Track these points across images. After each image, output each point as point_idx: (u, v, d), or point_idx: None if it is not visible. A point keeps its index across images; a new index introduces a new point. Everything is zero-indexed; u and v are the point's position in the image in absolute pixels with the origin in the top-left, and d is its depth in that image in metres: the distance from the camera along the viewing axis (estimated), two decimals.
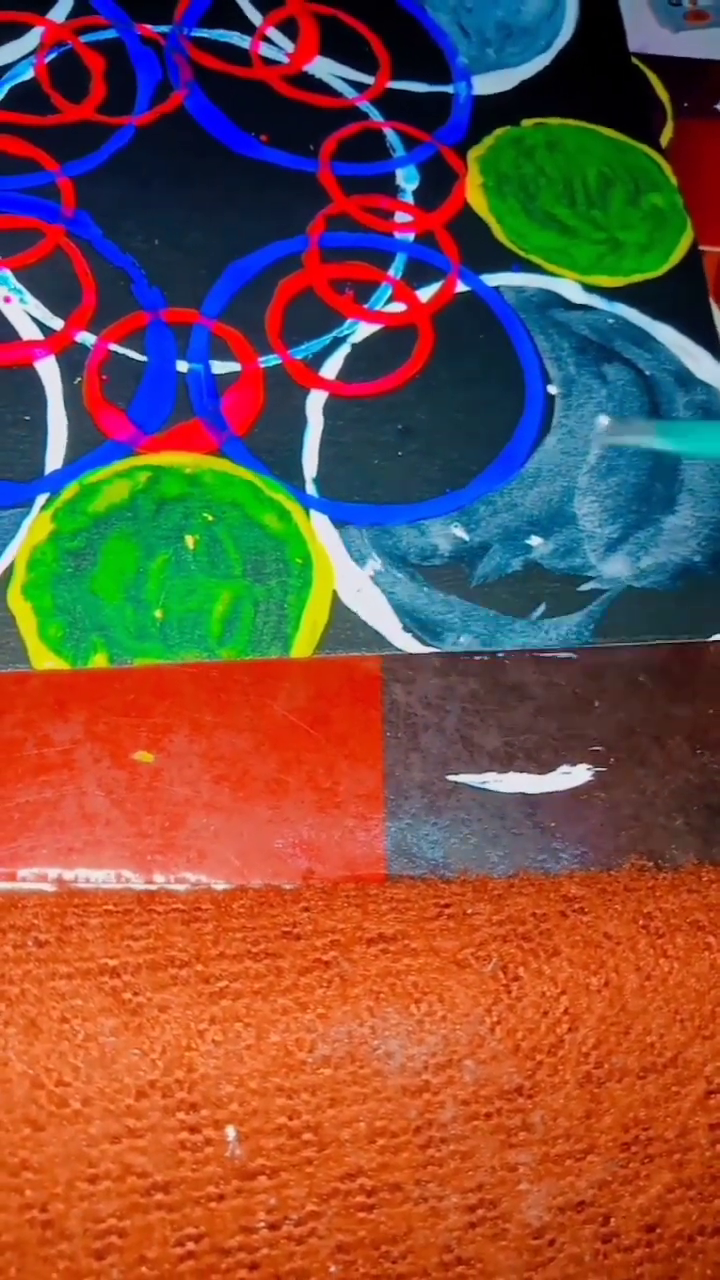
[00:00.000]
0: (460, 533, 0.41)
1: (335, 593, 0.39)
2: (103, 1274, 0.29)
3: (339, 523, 0.40)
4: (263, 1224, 0.29)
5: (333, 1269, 0.29)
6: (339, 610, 0.39)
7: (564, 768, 0.37)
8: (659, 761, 0.37)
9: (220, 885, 0.34)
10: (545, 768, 0.37)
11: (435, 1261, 0.30)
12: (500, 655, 0.38)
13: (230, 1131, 0.29)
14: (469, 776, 0.36)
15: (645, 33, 0.56)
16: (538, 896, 0.33)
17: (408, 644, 0.38)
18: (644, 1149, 0.31)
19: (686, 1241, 0.31)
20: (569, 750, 0.37)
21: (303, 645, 0.38)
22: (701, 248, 0.49)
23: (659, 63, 0.55)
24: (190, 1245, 0.29)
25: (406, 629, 0.39)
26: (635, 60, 0.54)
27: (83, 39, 0.50)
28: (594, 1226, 0.31)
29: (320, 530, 0.40)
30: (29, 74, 0.49)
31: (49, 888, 0.33)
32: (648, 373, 0.45)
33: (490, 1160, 0.30)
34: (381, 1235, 0.30)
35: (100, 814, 0.34)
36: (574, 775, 0.37)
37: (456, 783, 0.36)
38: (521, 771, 0.37)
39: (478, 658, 0.38)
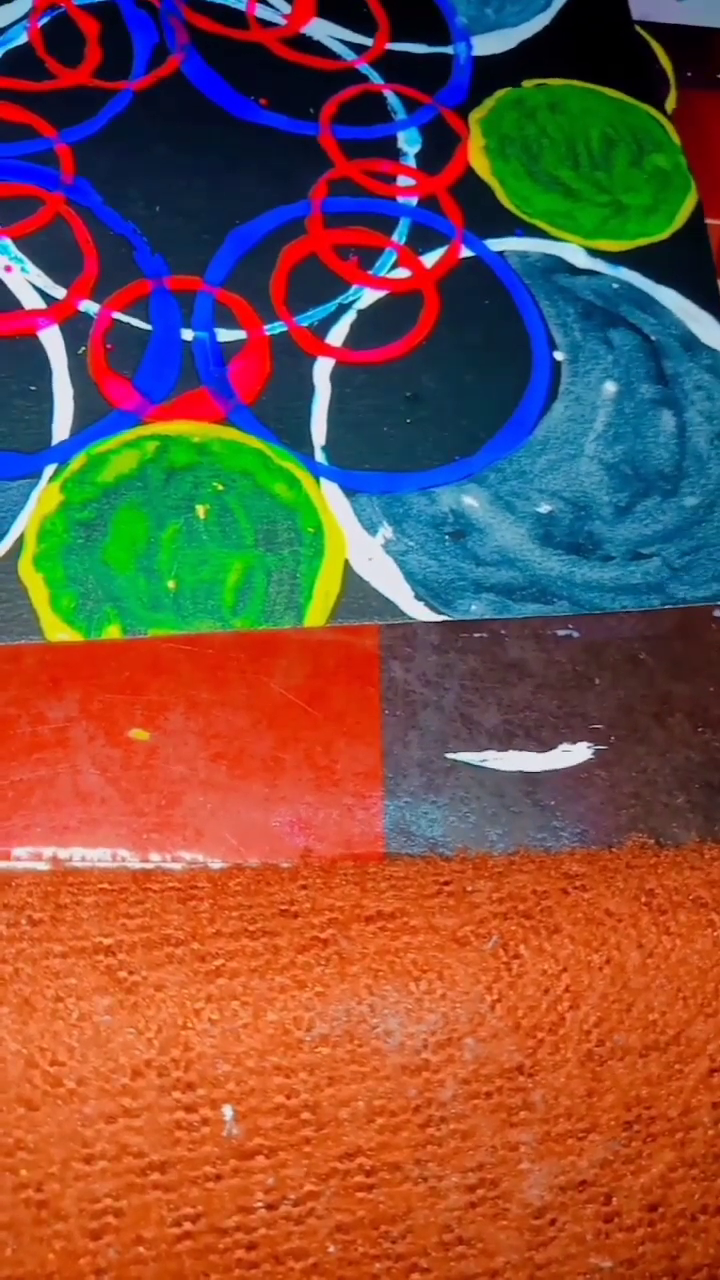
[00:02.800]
0: (471, 500, 0.40)
1: (347, 562, 0.39)
2: (99, 1254, 0.28)
3: (349, 491, 0.40)
4: (260, 1204, 0.29)
5: (331, 1249, 0.29)
6: (351, 579, 0.38)
7: (564, 746, 0.36)
8: (660, 739, 0.37)
9: (217, 864, 0.33)
10: (545, 746, 0.36)
11: (435, 1241, 0.30)
12: (501, 631, 0.38)
13: (227, 1111, 0.29)
14: (468, 754, 0.36)
15: (648, 0, 0.54)
16: (538, 874, 0.32)
17: (420, 612, 0.38)
18: (646, 1128, 0.31)
19: (689, 1221, 0.31)
20: (569, 728, 0.37)
21: (316, 615, 0.37)
22: (707, 221, 0.48)
23: (662, 31, 0.53)
24: (187, 1225, 0.29)
25: (419, 597, 0.38)
26: (639, 29, 0.53)
27: (76, 2, 0.49)
28: (596, 1206, 0.30)
29: (331, 498, 0.40)
30: (23, 38, 0.48)
31: (43, 866, 0.33)
32: (653, 338, 0.44)
33: (491, 1139, 0.30)
34: (381, 1215, 0.29)
35: (95, 792, 0.34)
36: (574, 753, 0.36)
37: (455, 761, 0.36)
38: (521, 749, 0.36)
39: (477, 634, 0.38)
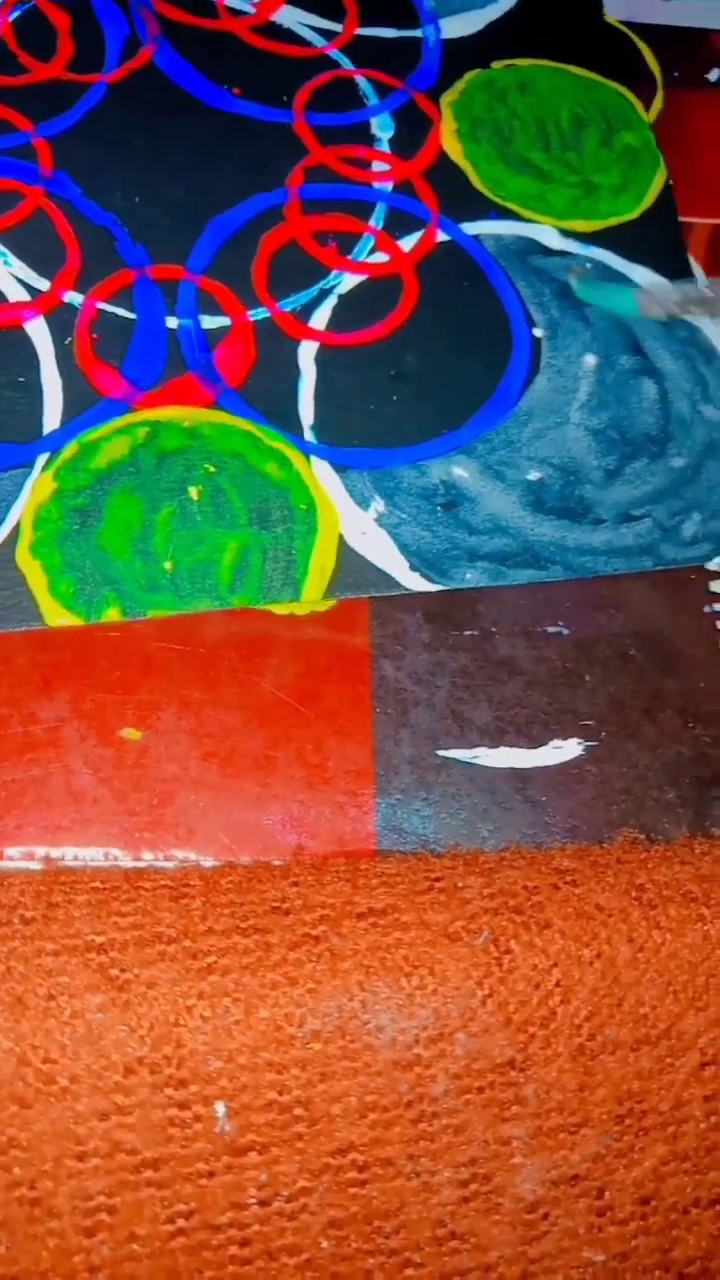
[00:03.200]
0: (460, 470, 0.41)
1: (341, 536, 0.39)
2: (92, 1251, 0.28)
3: (340, 467, 0.40)
4: (253, 1200, 0.29)
5: (325, 1245, 0.29)
6: (346, 553, 0.39)
7: (555, 742, 0.36)
8: (650, 735, 0.37)
9: (209, 862, 0.33)
10: (536, 742, 0.36)
11: (428, 1236, 0.30)
12: (492, 629, 0.38)
13: (219, 1107, 0.29)
14: (459, 751, 0.36)
15: (634, 0, 0.54)
16: (529, 869, 0.33)
17: (416, 583, 0.38)
18: (638, 1121, 0.31)
19: (681, 1214, 0.31)
20: (560, 724, 0.37)
21: (312, 590, 0.38)
22: (692, 219, 0.48)
23: (649, 31, 0.53)
24: (180, 1222, 0.29)
25: (414, 569, 0.39)
26: (625, 29, 0.53)
27: None
28: (588, 1200, 0.31)
29: (322, 476, 0.40)
30: None
31: (36, 866, 0.33)
32: None
33: (483, 1134, 0.30)
34: (374, 1210, 0.30)
35: (87, 792, 0.34)
36: (565, 749, 0.36)
37: (446, 758, 0.36)
38: (512, 746, 0.36)
39: (467, 632, 0.38)
